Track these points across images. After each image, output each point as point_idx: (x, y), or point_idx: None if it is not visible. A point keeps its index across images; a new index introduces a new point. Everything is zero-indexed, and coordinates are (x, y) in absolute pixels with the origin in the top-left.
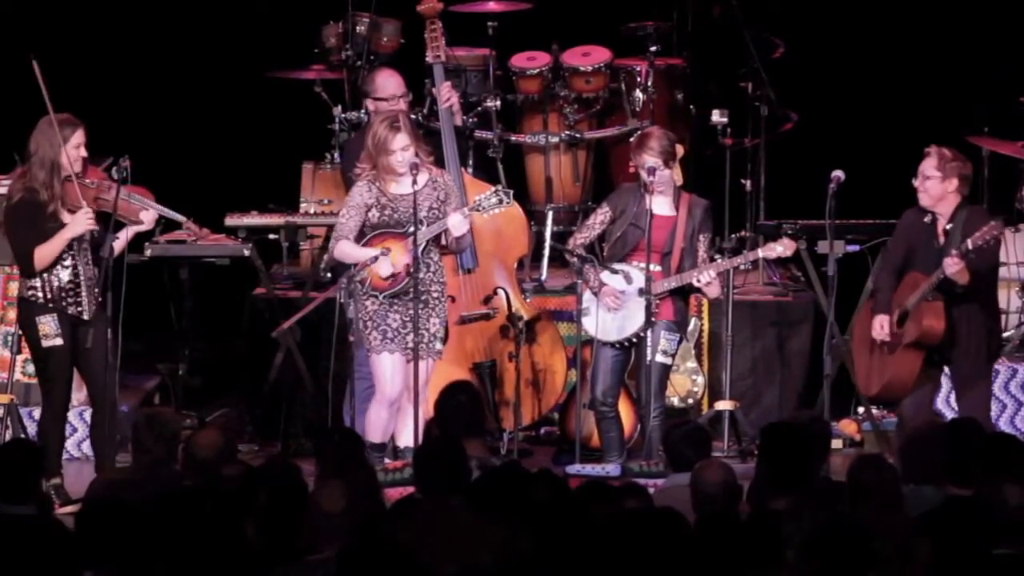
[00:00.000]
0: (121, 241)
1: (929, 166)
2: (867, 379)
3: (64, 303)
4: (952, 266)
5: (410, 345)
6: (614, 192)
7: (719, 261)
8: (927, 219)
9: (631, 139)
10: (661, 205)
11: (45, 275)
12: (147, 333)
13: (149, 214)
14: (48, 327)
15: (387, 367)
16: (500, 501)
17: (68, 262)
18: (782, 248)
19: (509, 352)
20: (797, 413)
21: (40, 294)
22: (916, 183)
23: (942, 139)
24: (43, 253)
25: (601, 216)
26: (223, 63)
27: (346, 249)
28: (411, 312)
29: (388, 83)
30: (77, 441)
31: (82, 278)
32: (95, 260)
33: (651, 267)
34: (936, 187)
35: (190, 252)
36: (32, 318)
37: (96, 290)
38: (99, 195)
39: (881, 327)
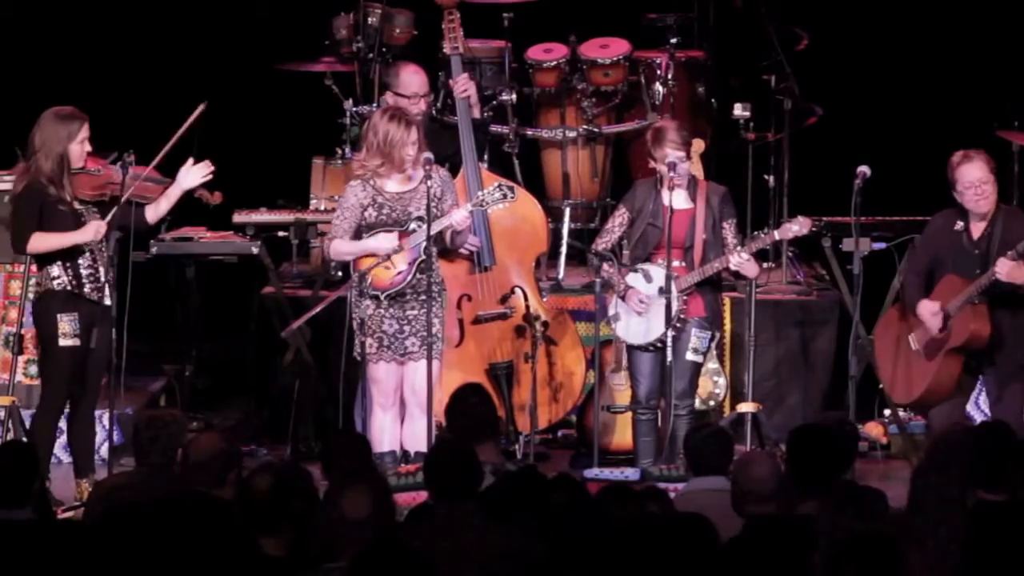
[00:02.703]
0: (165, 205)
1: (981, 170)
2: (905, 386)
3: (87, 288)
4: (1005, 267)
5: (409, 350)
6: (629, 191)
7: (738, 248)
8: (957, 226)
9: (646, 135)
10: (678, 198)
11: (69, 262)
12: (153, 333)
13: (191, 172)
14: (68, 326)
15: (383, 375)
16: (517, 506)
17: (85, 249)
18: (797, 227)
19: (526, 353)
20: (823, 415)
21: (66, 281)
22: (970, 195)
23: (971, 133)
24: (42, 241)
25: (619, 218)
26: (231, 55)
27: (341, 248)
28: (407, 315)
29: (413, 80)
30: (63, 444)
31: (100, 264)
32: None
33: (673, 263)
34: (994, 189)
35: (197, 250)
36: (54, 313)
37: (112, 281)
38: (109, 181)
39: (932, 313)
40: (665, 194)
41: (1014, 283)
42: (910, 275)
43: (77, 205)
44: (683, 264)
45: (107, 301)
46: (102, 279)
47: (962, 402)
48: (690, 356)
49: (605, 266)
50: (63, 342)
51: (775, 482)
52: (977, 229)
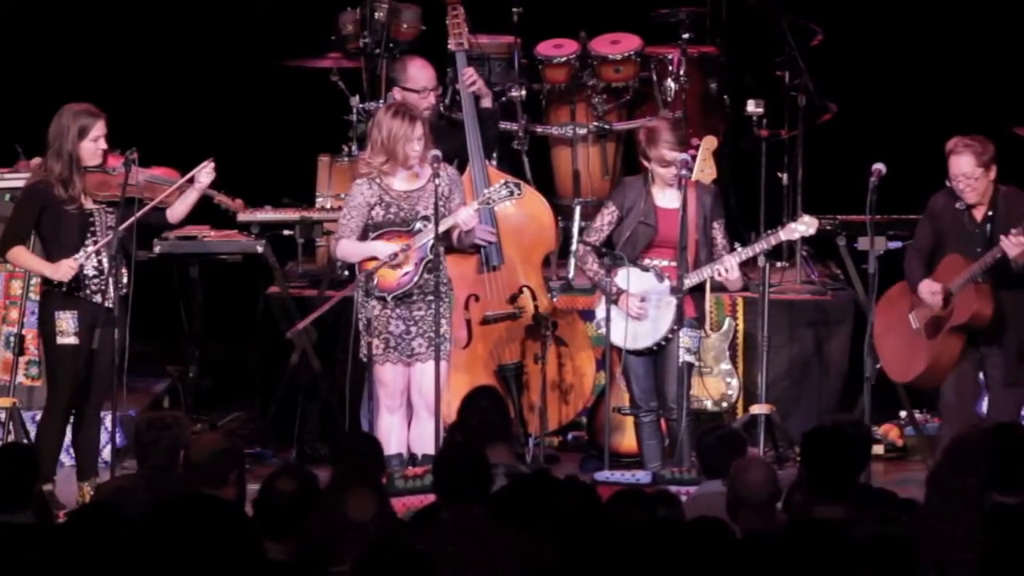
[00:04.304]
0: (182, 208)
1: (968, 165)
2: (904, 364)
3: (89, 291)
4: (1015, 246)
5: (416, 351)
6: (617, 188)
7: (740, 249)
8: (959, 204)
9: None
10: (670, 198)
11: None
12: (156, 333)
13: (205, 173)
14: (66, 324)
15: (390, 376)
16: (526, 509)
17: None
18: (804, 227)
19: (535, 354)
20: (836, 417)
21: (65, 283)
22: (956, 184)
23: (987, 130)
24: (21, 257)
25: (608, 216)
26: (235, 51)
27: (348, 248)
28: (413, 316)
29: (421, 75)
30: (66, 446)
31: (106, 266)
32: (124, 252)
33: (663, 263)
34: (983, 183)
35: (201, 249)
36: (52, 311)
37: (123, 282)
38: (122, 182)
39: (932, 292)
40: (663, 193)
41: (1019, 261)
42: (911, 254)
43: (89, 205)
44: (673, 264)
45: (109, 304)
46: (109, 283)
47: (972, 376)
48: (684, 356)
49: (595, 267)
50: (61, 340)
51: (770, 489)
52: (979, 211)
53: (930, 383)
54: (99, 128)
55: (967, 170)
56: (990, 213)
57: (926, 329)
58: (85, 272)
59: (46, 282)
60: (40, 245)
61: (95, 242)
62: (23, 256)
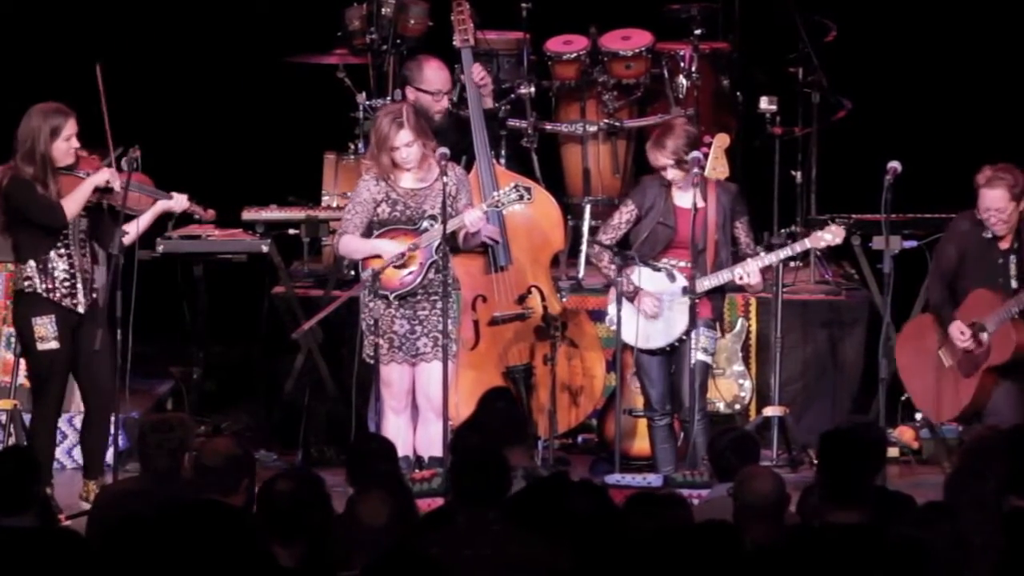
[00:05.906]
0: (143, 223)
1: (1002, 200)
2: (941, 404)
3: (59, 293)
4: None
5: (420, 351)
6: (636, 187)
7: (763, 255)
8: (986, 233)
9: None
10: (690, 198)
11: (42, 265)
12: (159, 334)
13: (180, 198)
14: (45, 329)
15: (395, 377)
16: (539, 513)
17: (63, 251)
18: (831, 236)
19: (545, 355)
20: (850, 419)
21: (37, 283)
22: (986, 216)
23: (1004, 128)
24: (70, 205)
25: (627, 215)
26: (240, 47)
27: (352, 244)
28: (418, 315)
29: (437, 77)
30: (66, 449)
31: (77, 269)
32: (92, 253)
33: (682, 264)
34: (1014, 216)
35: (205, 248)
36: (28, 318)
37: (94, 285)
38: (97, 187)
39: (962, 333)
40: (683, 193)
41: None
42: (935, 279)
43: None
44: (691, 266)
45: (80, 309)
46: (79, 287)
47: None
48: (701, 356)
49: (612, 265)
50: (41, 346)
51: (777, 497)
52: (1005, 241)
53: (970, 417)
54: (71, 127)
55: (1000, 205)
56: (1016, 245)
57: (960, 366)
58: (56, 275)
59: (20, 282)
60: (10, 242)
61: (67, 246)
62: (71, 201)
